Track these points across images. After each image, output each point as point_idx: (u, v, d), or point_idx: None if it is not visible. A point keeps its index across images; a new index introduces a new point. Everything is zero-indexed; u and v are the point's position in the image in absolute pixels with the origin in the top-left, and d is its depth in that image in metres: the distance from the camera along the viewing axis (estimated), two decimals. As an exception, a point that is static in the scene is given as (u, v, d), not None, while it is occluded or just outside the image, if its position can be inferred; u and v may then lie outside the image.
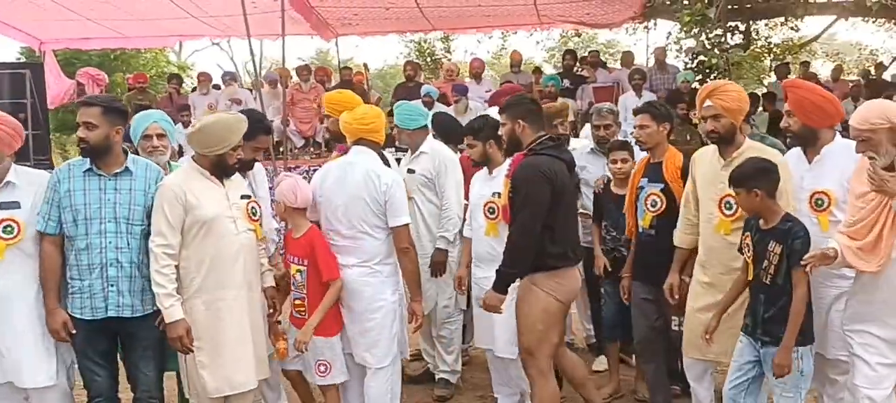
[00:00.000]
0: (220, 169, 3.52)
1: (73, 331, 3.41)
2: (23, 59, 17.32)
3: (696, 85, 9.42)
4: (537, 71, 12.85)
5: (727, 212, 3.75)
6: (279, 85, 11.22)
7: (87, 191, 3.40)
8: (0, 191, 3.38)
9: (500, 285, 3.71)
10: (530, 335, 3.76)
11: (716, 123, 3.73)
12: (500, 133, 4.00)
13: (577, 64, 11.81)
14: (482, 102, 10.39)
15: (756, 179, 3.36)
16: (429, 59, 19.24)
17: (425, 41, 18.98)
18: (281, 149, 9.40)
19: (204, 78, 11.52)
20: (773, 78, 13.60)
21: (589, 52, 12.57)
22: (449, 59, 20.18)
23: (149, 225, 3.43)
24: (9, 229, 3.34)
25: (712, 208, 3.81)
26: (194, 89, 12.23)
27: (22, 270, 3.38)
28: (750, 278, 3.47)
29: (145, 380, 3.48)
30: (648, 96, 9.64)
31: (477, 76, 11.27)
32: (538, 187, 3.60)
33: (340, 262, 3.88)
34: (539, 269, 3.71)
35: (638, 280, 4.42)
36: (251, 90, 11.22)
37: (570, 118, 7.45)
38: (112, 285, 3.39)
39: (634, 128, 4.48)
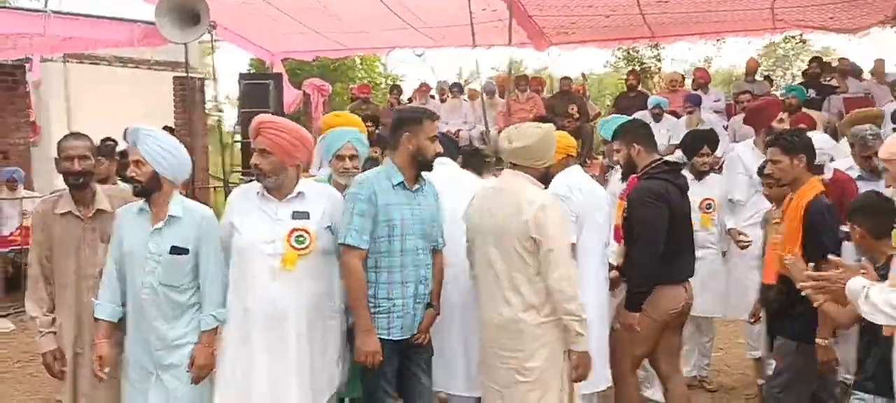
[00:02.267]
0: (545, 181, 3.43)
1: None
2: (252, 71, 18.61)
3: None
4: (768, 80, 11.78)
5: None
6: (497, 95, 11.15)
7: (400, 205, 3.31)
8: (291, 201, 3.32)
9: (632, 304, 3.77)
10: (615, 339, 3.85)
11: None
12: (616, 159, 4.07)
13: (824, 73, 10.61)
14: (711, 113, 9.65)
15: None
16: (637, 68, 18.46)
17: (634, 49, 18.22)
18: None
19: (423, 88, 11.66)
20: None
21: (839, 59, 11.28)
22: (659, 69, 19.39)
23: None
24: (301, 239, 3.26)
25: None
26: (410, 100, 12.41)
27: (306, 282, 3.27)
28: None
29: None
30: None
31: (702, 86, 10.49)
32: (654, 210, 3.70)
33: None
34: None
35: None
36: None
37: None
38: (419, 302, 3.36)
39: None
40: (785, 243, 3.59)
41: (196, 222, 3.31)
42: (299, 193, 3.32)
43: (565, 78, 11.18)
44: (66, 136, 3.65)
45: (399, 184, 3.32)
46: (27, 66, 10.65)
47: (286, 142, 3.26)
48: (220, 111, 10.06)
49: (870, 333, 2.97)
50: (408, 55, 26.89)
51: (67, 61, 10.70)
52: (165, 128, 11.72)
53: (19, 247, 8.20)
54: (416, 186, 3.39)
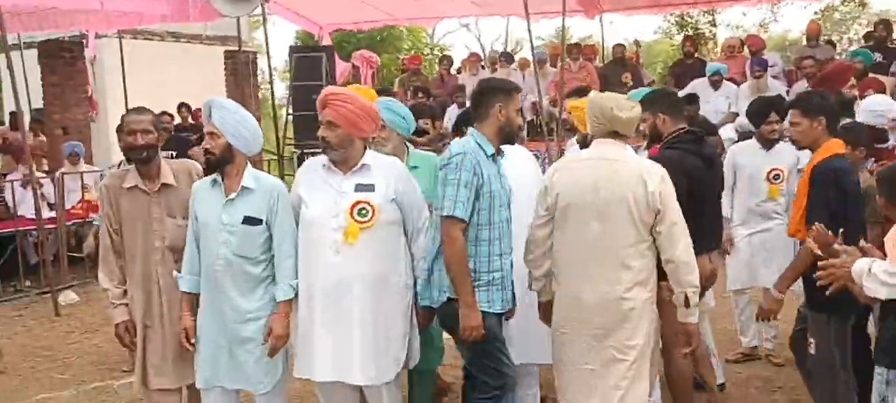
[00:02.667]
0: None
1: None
2: (299, 44, 18.67)
3: None
4: (830, 44, 11.33)
5: None
6: (548, 64, 10.97)
7: (494, 176, 3.25)
8: (356, 174, 3.28)
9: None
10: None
11: None
12: (642, 128, 3.78)
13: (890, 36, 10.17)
14: (771, 78, 9.34)
15: None
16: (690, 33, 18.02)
17: (688, 15, 17.78)
18: (554, 131, 9.05)
19: (474, 58, 11.54)
20: None
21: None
22: (713, 34, 18.90)
23: None
24: (364, 212, 3.21)
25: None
26: (459, 70, 12.30)
27: (369, 256, 3.22)
28: None
29: None
30: None
31: (757, 54, 10.12)
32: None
33: None
34: None
35: None
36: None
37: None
38: (511, 275, 3.33)
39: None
40: (794, 207, 3.61)
41: (268, 193, 3.30)
42: (364, 166, 3.27)
43: (619, 45, 10.93)
44: (128, 111, 3.67)
45: (491, 155, 3.26)
46: (84, 42, 10.83)
47: (353, 113, 3.22)
48: (271, 84, 10.02)
49: (891, 310, 2.85)
50: (454, 24, 26.89)
51: (122, 37, 10.83)
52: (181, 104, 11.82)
53: (82, 220, 8.40)
54: (499, 158, 3.34)
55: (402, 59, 13.82)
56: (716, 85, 8.91)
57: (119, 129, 3.75)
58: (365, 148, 3.33)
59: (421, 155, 4.02)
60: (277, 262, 3.31)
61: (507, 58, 11.44)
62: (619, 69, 10.34)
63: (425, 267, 3.34)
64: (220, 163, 3.27)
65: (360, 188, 3.23)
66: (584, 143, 3.97)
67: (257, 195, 3.29)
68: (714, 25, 18.00)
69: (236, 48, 11.69)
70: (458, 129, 4.92)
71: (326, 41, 13.20)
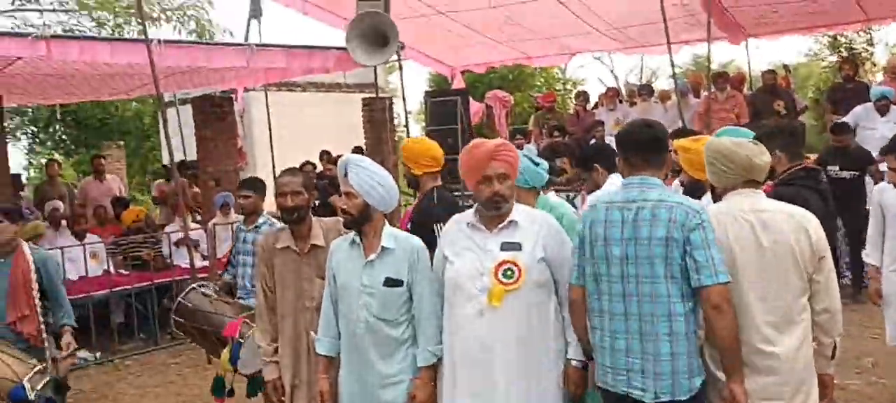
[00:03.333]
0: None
1: None
2: (433, 86, 18.95)
3: None
4: None
5: None
6: (690, 95, 10.48)
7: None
8: (502, 231, 3.06)
9: None
10: None
11: None
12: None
13: None
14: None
15: None
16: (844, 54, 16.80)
17: (842, 35, 16.58)
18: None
19: (611, 93, 11.21)
20: None
21: None
22: (871, 54, 17.51)
23: None
24: (509, 273, 3.01)
25: None
26: (596, 105, 12.00)
27: (515, 319, 3.01)
28: None
29: None
30: None
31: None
32: None
33: None
34: None
35: None
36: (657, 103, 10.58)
37: None
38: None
39: None
40: None
41: (408, 252, 3.21)
42: (512, 222, 3.08)
43: (769, 71, 10.27)
44: (281, 173, 3.76)
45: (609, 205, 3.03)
46: (233, 96, 11.41)
47: (517, 162, 3.12)
48: (405, 128, 10.15)
49: None
50: (587, 57, 26.50)
51: (267, 89, 11.36)
52: (356, 148, 12.17)
53: (232, 269, 8.73)
54: None
55: (536, 97, 13.65)
56: (882, 110, 8.17)
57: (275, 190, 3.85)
58: (513, 203, 3.15)
59: (552, 203, 3.81)
60: (419, 325, 3.20)
61: (647, 90, 11.02)
62: (770, 97, 9.71)
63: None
64: (359, 223, 3.22)
65: (506, 247, 3.03)
66: (688, 186, 3.86)
67: (397, 255, 3.20)
68: (871, 44, 16.67)
69: (373, 95, 11.95)
70: (587, 165, 4.74)
71: (459, 82, 13.28)
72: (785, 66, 11.39)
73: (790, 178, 3.63)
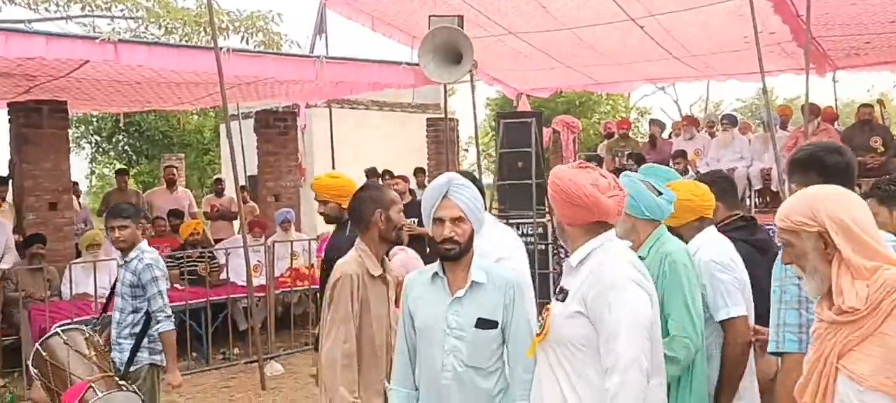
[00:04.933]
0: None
1: None
2: (498, 109, 18.57)
3: None
4: None
5: None
6: (777, 128, 9.86)
7: None
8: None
9: None
10: None
11: None
12: None
13: None
14: None
15: None
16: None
17: (931, 70, 15.65)
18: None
19: (688, 121, 10.64)
20: None
21: None
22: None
23: None
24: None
25: None
26: (671, 134, 11.43)
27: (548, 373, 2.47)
28: None
29: None
30: None
31: None
32: None
33: None
34: None
35: None
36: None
37: None
38: None
39: None
40: None
41: (502, 288, 2.70)
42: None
43: (866, 105, 9.59)
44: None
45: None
46: (296, 111, 11.18)
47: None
48: (477, 150, 9.74)
49: None
50: (650, 87, 25.79)
51: (331, 106, 11.10)
52: (418, 169, 11.84)
53: (289, 289, 8.41)
54: None
55: (604, 123, 13.16)
56: None
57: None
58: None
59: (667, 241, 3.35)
60: (513, 374, 2.69)
61: (731, 120, 10.40)
62: (866, 133, 9.03)
63: None
64: (463, 254, 2.70)
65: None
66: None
67: (490, 291, 2.69)
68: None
69: (438, 115, 11.62)
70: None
71: (523, 105, 12.86)
72: (880, 101, 10.66)
73: (725, 228, 3.59)
